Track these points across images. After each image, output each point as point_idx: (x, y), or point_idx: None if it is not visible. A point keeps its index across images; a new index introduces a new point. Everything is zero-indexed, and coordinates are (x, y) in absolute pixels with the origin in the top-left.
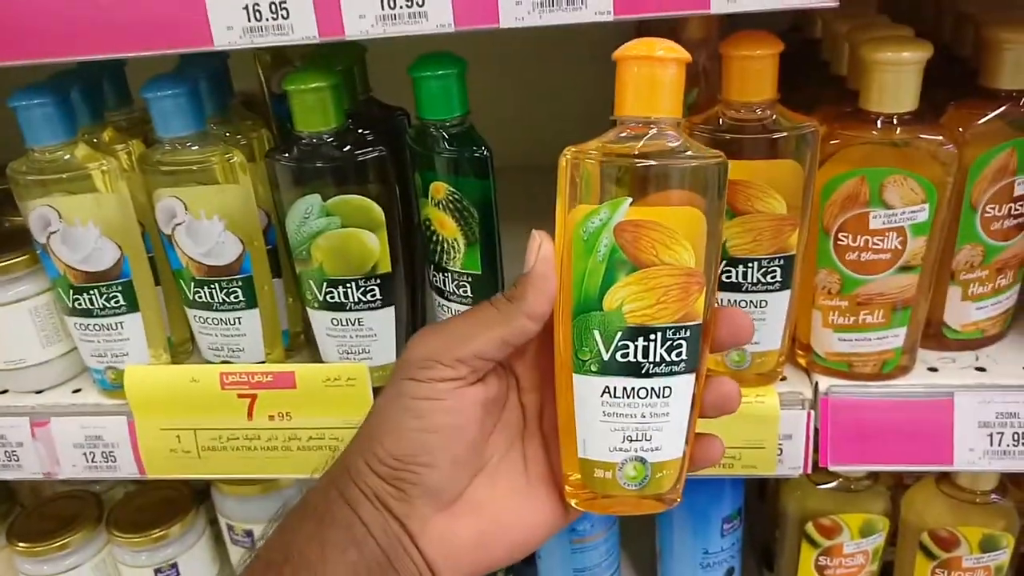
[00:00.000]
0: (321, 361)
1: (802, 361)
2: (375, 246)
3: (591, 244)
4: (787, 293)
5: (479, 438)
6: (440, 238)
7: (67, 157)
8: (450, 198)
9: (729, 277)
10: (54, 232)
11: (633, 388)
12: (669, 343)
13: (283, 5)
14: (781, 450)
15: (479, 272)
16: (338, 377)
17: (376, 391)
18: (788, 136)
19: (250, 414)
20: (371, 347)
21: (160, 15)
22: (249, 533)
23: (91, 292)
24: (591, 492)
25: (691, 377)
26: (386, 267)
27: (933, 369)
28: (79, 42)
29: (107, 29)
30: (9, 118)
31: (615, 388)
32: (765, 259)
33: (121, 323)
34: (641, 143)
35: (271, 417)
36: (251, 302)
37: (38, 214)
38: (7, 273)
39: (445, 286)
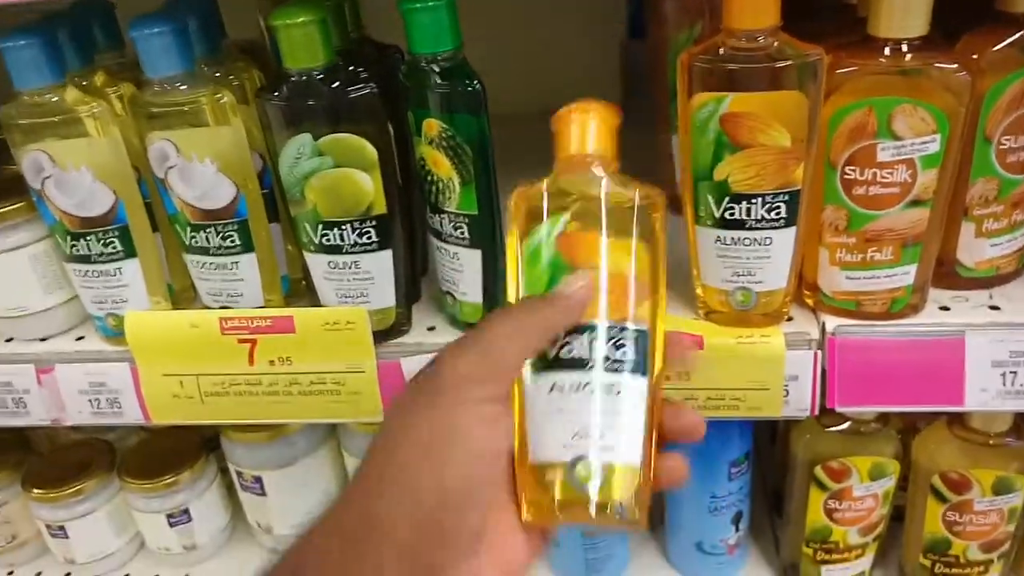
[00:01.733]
0: (321, 307)
1: (809, 301)
2: (369, 186)
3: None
4: (792, 230)
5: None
6: (435, 177)
7: (56, 100)
8: (443, 135)
9: (732, 214)
10: (47, 177)
11: (581, 383)
12: (613, 341)
13: None
14: (787, 392)
15: (476, 213)
16: (337, 321)
17: (376, 335)
18: (792, 65)
19: (251, 359)
20: (369, 290)
21: None
22: (258, 479)
23: (88, 238)
24: (545, 500)
25: (642, 380)
26: (381, 208)
27: (945, 308)
28: None
29: None
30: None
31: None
32: (769, 195)
33: (120, 269)
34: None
35: (272, 362)
36: (247, 246)
37: (31, 159)
38: (4, 220)
39: (442, 227)
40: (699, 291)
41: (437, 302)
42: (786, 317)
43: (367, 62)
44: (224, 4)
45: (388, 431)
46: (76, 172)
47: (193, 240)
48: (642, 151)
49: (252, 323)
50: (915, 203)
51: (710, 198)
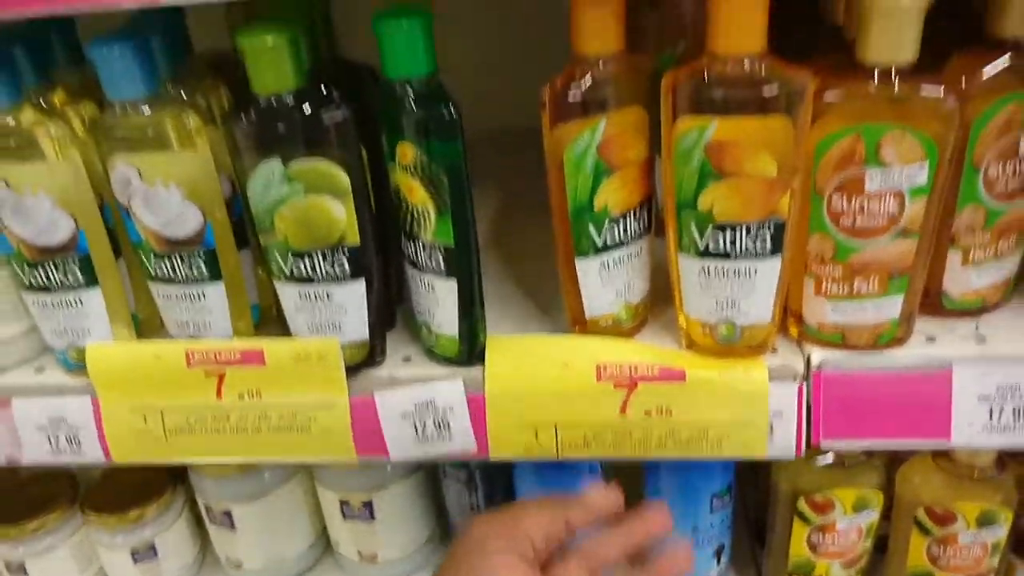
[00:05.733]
0: (291, 338)
1: (794, 332)
2: (341, 215)
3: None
4: (778, 260)
5: None
6: (409, 206)
7: (12, 122)
8: (418, 162)
9: (716, 244)
10: (3, 203)
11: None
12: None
13: None
14: (772, 428)
15: (452, 243)
16: (308, 353)
17: (349, 368)
18: (778, 90)
19: (219, 393)
20: (342, 321)
21: None
22: (228, 513)
23: (47, 267)
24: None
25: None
26: (354, 238)
27: (931, 339)
28: None
29: None
30: None
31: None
32: (755, 224)
33: (80, 299)
34: None
35: (240, 396)
36: (215, 275)
37: None
38: None
39: (418, 256)
40: (681, 320)
41: (413, 329)
42: (770, 349)
43: (339, 84)
44: (192, 13)
45: None
46: (34, 198)
47: (158, 269)
48: None
49: (219, 355)
50: (903, 233)
51: (694, 227)
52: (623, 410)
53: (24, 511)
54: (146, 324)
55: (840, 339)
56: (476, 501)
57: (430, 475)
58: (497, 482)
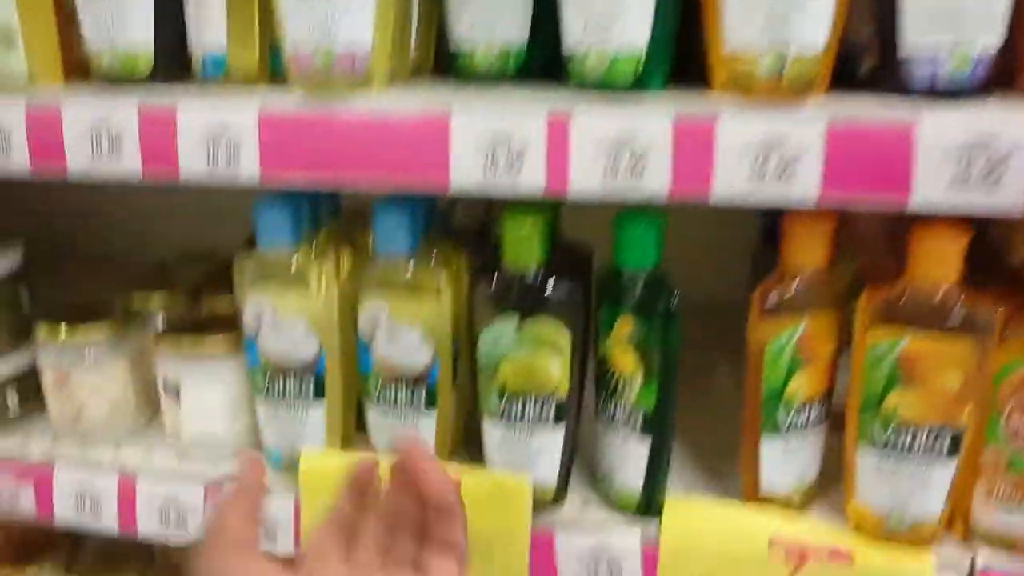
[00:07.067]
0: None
1: (959, 531)
2: (558, 372)
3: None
4: (953, 463)
5: None
6: (616, 372)
7: (290, 259)
8: (635, 336)
9: (896, 442)
10: (265, 323)
11: None
12: None
13: (519, 156)
14: None
15: (652, 409)
16: (501, 487)
17: (536, 506)
18: (968, 318)
19: None
20: (537, 462)
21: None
22: None
23: (285, 380)
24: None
25: None
26: (563, 391)
27: None
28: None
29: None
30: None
31: None
32: (935, 429)
33: (307, 410)
34: None
35: None
36: (432, 404)
37: (255, 305)
38: (210, 349)
39: (615, 415)
40: (851, 506)
41: (587, 478)
42: (936, 543)
43: (564, 261)
44: None
45: None
46: (291, 322)
47: (381, 395)
48: None
49: None
50: None
51: (876, 424)
52: None
53: None
54: (344, 441)
55: (1008, 544)
56: None
57: None
58: None
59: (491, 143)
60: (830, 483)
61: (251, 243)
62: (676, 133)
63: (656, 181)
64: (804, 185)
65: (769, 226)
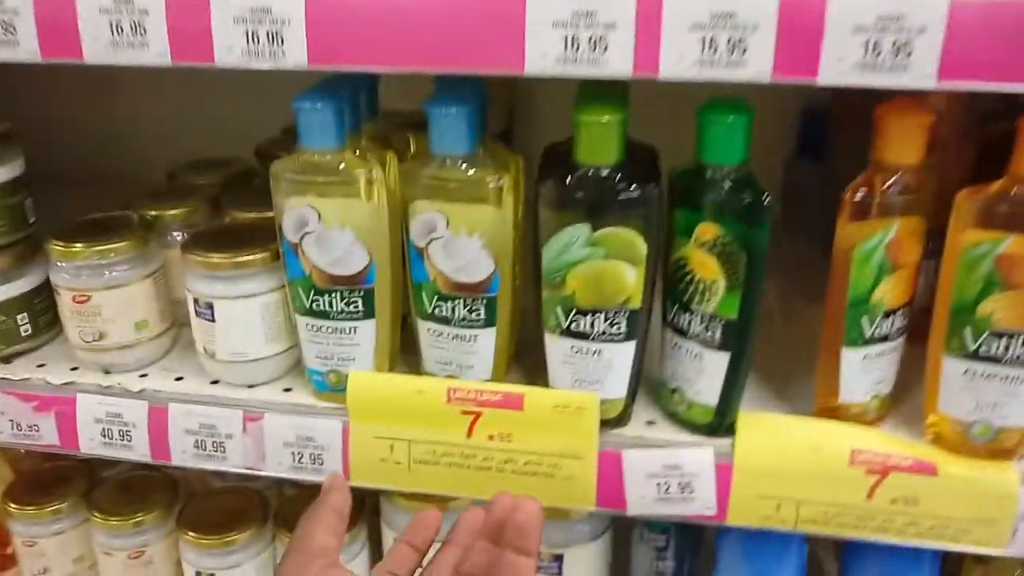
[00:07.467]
0: (539, 385)
1: None
2: (632, 281)
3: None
4: None
5: None
6: (696, 278)
7: (337, 162)
8: (719, 241)
9: (989, 349)
10: (309, 233)
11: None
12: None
13: (602, 39)
14: (1015, 529)
15: (735, 316)
16: (568, 404)
17: (603, 423)
18: None
19: (470, 431)
20: (605, 378)
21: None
22: None
23: (332, 295)
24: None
25: None
26: (637, 302)
27: None
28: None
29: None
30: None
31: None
32: None
33: (355, 328)
34: None
35: (491, 437)
36: (491, 321)
37: (296, 214)
38: (243, 268)
39: (689, 326)
40: (931, 418)
41: (652, 395)
42: (1020, 456)
43: (637, 162)
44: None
45: None
46: (339, 231)
47: (437, 309)
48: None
49: (481, 395)
50: None
51: (968, 330)
52: (870, 496)
53: (216, 523)
54: (391, 360)
55: None
56: (664, 567)
57: (617, 537)
58: (689, 549)
59: (573, 19)
60: (901, 396)
61: (263, 156)
62: (781, 6)
63: (760, 62)
64: (923, 64)
65: (805, 136)
